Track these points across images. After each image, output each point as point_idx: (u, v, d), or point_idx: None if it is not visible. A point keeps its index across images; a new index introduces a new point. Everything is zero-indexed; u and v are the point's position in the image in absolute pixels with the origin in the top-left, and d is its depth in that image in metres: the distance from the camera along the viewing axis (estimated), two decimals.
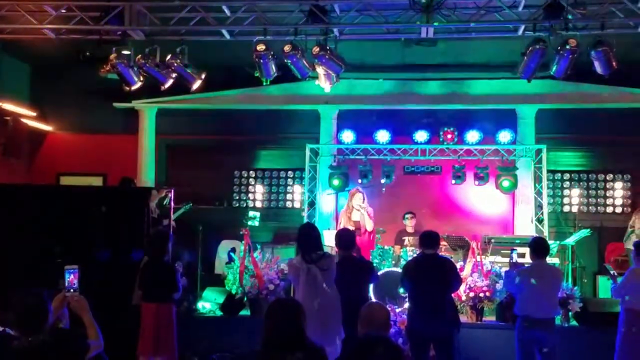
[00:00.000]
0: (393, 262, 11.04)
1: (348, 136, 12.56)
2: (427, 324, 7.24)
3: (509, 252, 10.40)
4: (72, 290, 4.53)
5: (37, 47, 11.21)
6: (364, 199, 10.87)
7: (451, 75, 12.74)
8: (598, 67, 8.51)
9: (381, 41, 10.16)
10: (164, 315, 7.47)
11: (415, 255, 9.45)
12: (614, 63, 8.38)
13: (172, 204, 10.19)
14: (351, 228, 10.40)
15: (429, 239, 7.52)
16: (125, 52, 9.27)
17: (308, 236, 6.90)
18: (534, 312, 7.34)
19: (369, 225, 10.75)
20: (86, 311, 4.52)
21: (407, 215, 11.58)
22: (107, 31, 9.18)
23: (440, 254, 8.06)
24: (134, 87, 9.64)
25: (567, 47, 8.26)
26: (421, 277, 7.34)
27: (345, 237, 7.45)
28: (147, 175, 13.05)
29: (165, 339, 7.44)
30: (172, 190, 10.20)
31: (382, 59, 12.20)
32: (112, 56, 9.21)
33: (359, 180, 12.41)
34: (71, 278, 4.55)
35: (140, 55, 9.27)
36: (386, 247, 11.15)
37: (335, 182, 12.45)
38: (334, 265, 6.88)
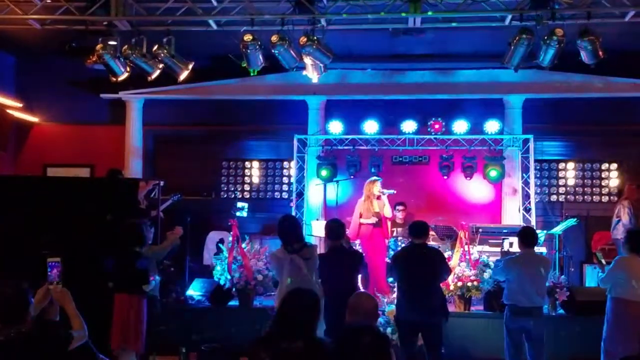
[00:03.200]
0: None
1: (336, 126, 12.54)
2: (415, 313, 7.28)
3: (497, 241, 10.53)
4: (54, 282, 4.53)
5: (23, 37, 11.14)
6: (381, 185, 10.83)
7: (439, 65, 12.76)
8: (585, 57, 8.52)
9: (369, 31, 10.14)
10: (134, 307, 7.42)
11: (404, 245, 9.51)
12: (600, 52, 8.39)
13: (160, 195, 10.15)
14: (374, 220, 10.47)
15: (418, 229, 7.57)
16: (112, 42, 9.22)
17: (289, 227, 6.97)
18: (521, 301, 7.40)
19: (389, 212, 10.70)
20: (69, 302, 4.52)
21: (397, 207, 11.59)
22: (93, 21, 9.12)
23: (428, 243, 8.10)
24: (120, 78, 9.59)
25: (554, 36, 8.27)
26: (410, 266, 7.39)
27: (334, 227, 7.47)
28: (134, 167, 12.99)
29: (135, 331, 7.40)
30: (160, 183, 10.16)
31: (369, 49, 12.19)
32: (98, 47, 9.14)
33: (353, 172, 12.46)
34: (54, 270, 4.55)
35: (126, 46, 9.21)
36: None
37: (323, 172, 12.45)
38: (316, 255, 6.98)
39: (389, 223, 10.74)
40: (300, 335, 3.95)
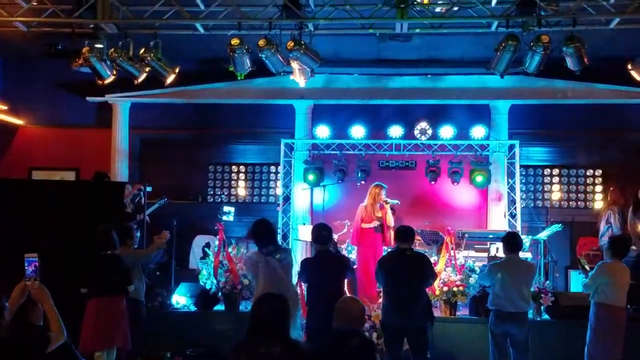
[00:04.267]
0: None
1: (323, 131, 12.56)
2: (401, 318, 7.30)
3: (482, 246, 10.57)
4: (32, 278, 4.46)
5: (8, 40, 11.07)
6: (386, 193, 10.64)
7: (426, 71, 12.80)
8: (570, 63, 8.59)
9: (356, 36, 10.17)
10: (120, 308, 7.37)
11: (390, 249, 9.51)
12: (585, 59, 8.46)
13: (144, 199, 10.13)
14: (376, 224, 10.35)
15: (404, 234, 7.58)
16: (98, 45, 9.19)
17: (263, 230, 7.00)
18: (505, 306, 7.44)
19: (391, 220, 10.47)
20: (47, 299, 4.44)
21: None
22: (80, 24, 9.08)
23: (415, 248, 8.11)
24: (107, 81, 9.55)
25: (540, 43, 8.33)
26: (396, 271, 7.40)
27: (321, 232, 7.47)
28: (120, 170, 12.95)
29: (122, 329, 7.36)
30: (144, 187, 10.14)
31: (357, 54, 12.22)
32: (85, 49, 9.12)
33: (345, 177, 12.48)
34: (31, 266, 4.49)
35: (113, 49, 9.18)
36: None
37: (310, 177, 12.46)
38: (291, 258, 7.05)
39: (391, 232, 10.36)
40: (276, 339, 3.97)
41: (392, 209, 10.64)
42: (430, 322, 7.60)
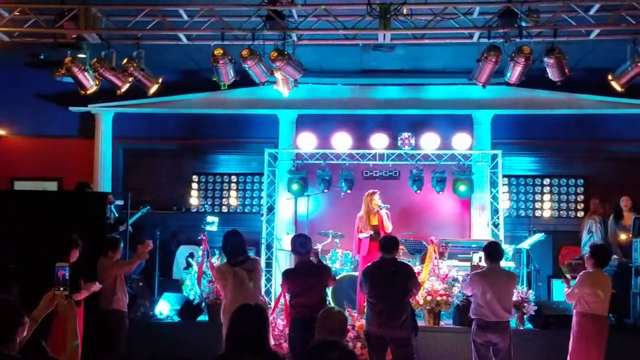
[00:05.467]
0: (352, 266, 11.12)
1: (307, 141, 12.55)
2: (385, 328, 7.31)
3: (466, 256, 10.60)
4: (61, 288, 4.28)
5: None
6: (380, 198, 10.59)
7: (409, 81, 12.87)
8: (551, 74, 8.66)
9: (339, 46, 10.20)
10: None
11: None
12: (566, 70, 8.53)
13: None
14: (369, 233, 10.32)
15: (388, 244, 7.61)
16: (81, 55, 9.17)
17: (231, 241, 7.10)
18: (487, 315, 7.46)
19: (389, 226, 10.40)
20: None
21: None
22: (62, 34, 9.05)
23: (398, 258, 8.13)
24: (89, 91, 9.50)
25: (521, 53, 8.39)
26: (380, 281, 7.41)
27: (300, 242, 7.48)
28: (103, 180, 12.88)
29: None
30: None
31: (340, 64, 12.26)
32: (67, 60, 9.07)
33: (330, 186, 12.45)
34: (61, 275, 4.31)
35: (96, 59, 9.14)
36: (345, 251, 11.25)
37: (294, 187, 12.45)
38: (260, 267, 7.13)
39: None
40: (257, 351, 3.94)
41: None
42: (414, 332, 7.62)
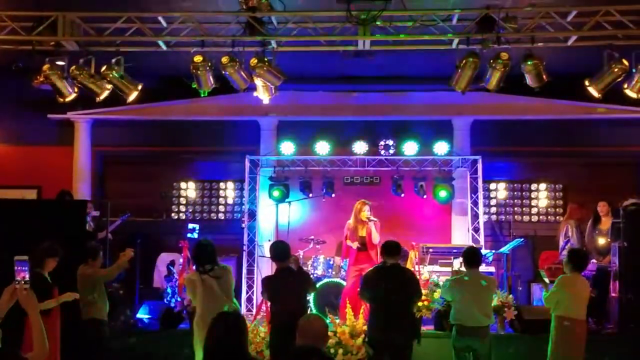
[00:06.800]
0: (333, 272, 11.12)
1: (288, 147, 12.55)
2: (387, 334, 7.26)
3: (447, 261, 10.65)
4: (22, 282, 4.23)
5: None
6: (370, 210, 10.51)
7: (389, 87, 12.92)
8: (529, 80, 8.72)
9: (320, 53, 10.21)
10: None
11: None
12: (544, 76, 8.60)
13: (108, 217, 10.07)
14: (356, 245, 10.28)
15: (390, 249, 7.55)
16: (59, 62, 9.09)
17: (201, 250, 7.08)
18: (467, 320, 7.48)
19: (376, 238, 10.26)
20: (34, 309, 4.13)
21: None
22: (40, 42, 8.98)
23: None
24: (68, 99, 9.42)
25: (499, 60, 8.44)
26: (384, 286, 7.34)
27: (279, 249, 7.47)
28: (83, 188, 12.79)
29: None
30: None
31: (321, 71, 12.29)
32: (45, 67, 8.99)
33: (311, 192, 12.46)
34: (21, 269, 4.26)
35: (74, 66, 9.07)
36: (327, 258, 11.25)
37: (276, 193, 12.44)
38: (229, 275, 7.04)
39: (378, 249, 9.89)
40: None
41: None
42: (417, 338, 7.54)
